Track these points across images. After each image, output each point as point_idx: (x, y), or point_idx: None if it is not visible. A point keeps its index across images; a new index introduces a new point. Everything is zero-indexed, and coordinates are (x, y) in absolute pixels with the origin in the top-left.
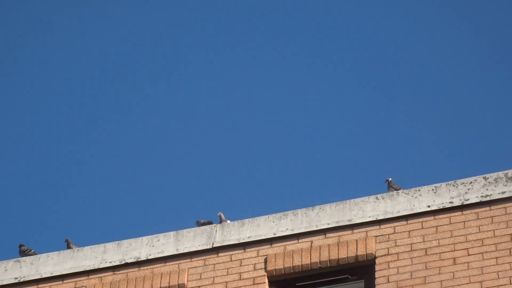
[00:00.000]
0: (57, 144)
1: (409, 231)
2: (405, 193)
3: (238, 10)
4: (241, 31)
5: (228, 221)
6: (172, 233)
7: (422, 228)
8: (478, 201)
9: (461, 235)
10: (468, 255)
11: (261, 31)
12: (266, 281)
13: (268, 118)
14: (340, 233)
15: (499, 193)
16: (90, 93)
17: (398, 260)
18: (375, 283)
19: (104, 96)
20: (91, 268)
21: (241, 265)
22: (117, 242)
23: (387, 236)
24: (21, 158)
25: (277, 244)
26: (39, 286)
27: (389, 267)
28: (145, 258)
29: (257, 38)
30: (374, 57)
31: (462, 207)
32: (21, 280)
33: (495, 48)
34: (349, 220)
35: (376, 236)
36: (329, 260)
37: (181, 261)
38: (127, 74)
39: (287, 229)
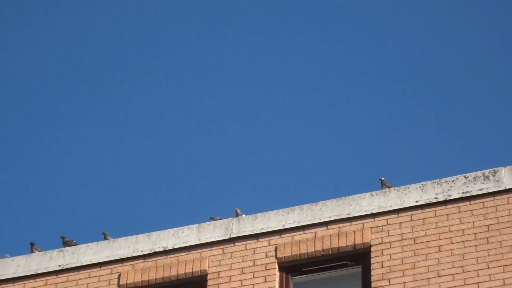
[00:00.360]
0: (96, 141)
1: (400, 223)
2: (396, 190)
3: (233, 7)
4: (238, 28)
5: (243, 215)
6: (194, 226)
7: (411, 220)
8: (460, 196)
9: (445, 226)
10: (451, 243)
11: (257, 28)
12: (277, 267)
13: (276, 123)
14: (340, 225)
15: (477, 190)
16: (124, 83)
17: (390, 248)
18: (371, 268)
19: (136, 89)
20: (125, 257)
21: (254, 253)
22: (147, 233)
23: (381, 227)
24: (60, 155)
25: (285, 235)
26: (80, 272)
27: (382, 254)
28: (172, 248)
29: (259, 35)
30: (370, 62)
31: (445, 202)
32: (64, 267)
33: (481, 50)
34: (348, 214)
35: (371, 228)
36: (331, 248)
37: (203, 250)
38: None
39: (294, 221)
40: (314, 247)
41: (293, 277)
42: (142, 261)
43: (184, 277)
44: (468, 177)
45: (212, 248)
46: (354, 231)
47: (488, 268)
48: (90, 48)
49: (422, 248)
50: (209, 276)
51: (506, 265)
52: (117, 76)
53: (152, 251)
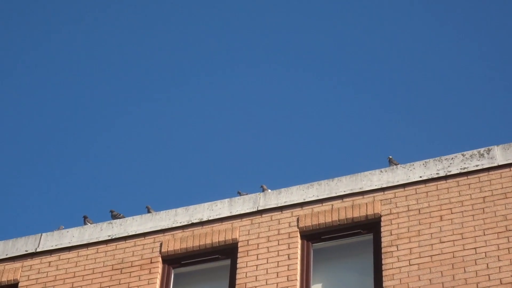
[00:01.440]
0: (141, 126)
1: (406, 196)
2: (402, 167)
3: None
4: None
5: (269, 190)
6: (226, 200)
7: (416, 193)
8: (458, 172)
9: (446, 198)
10: (451, 213)
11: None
12: (298, 235)
13: (297, 112)
14: (354, 198)
15: (473, 166)
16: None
17: (398, 218)
18: (381, 236)
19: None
20: (166, 227)
21: (279, 223)
22: (185, 207)
23: (390, 200)
24: (109, 142)
25: (306, 207)
26: (126, 241)
27: (391, 223)
28: (207, 219)
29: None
30: (376, 55)
31: (446, 177)
32: (113, 237)
33: (472, 39)
34: (360, 188)
35: (381, 200)
36: (346, 218)
37: (234, 221)
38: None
39: (313, 195)
40: (331, 218)
41: (313, 244)
42: (181, 231)
43: (217, 245)
44: (465, 155)
45: (242, 219)
46: (366, 203)
47: (484, 235)
48: (98, 49)
49: (426, 218)
50: (239, 244)
51: (499, 232)
52: (174, 70)
53: (190, 222)
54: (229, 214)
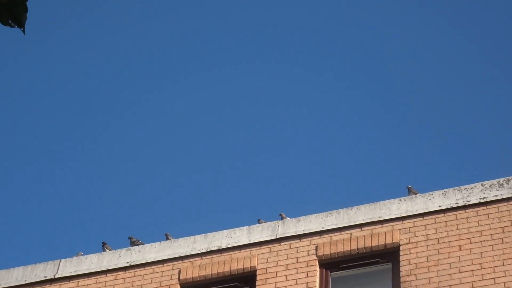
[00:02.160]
0: (161, 152)
1: (425, 225)
2: (422, 196)
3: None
4: (239, 33)
5: (288, 218)
6: (245, 228)
7: (435, 223)
8: (477, 202)
9: (465, 228)
10: (470, 243)
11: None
12: (317, 263)
13: (315, 137)
14: (373, 227)
15: (493, 196)
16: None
17: (417, 247)
18: (400, 265)
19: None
20: (184, 255)
21: (297, 252)
22: (204, 234)
23: (408, 229)
24: (127, 165)
25: (325, 236)
26: (145, 268)
27: (410, 253)
28: (225, 247)
29: (270, 39)
30: (393, 79)
31: (465, 207)
32: (131, 264)
33: (498, 63)
34: (379, 217)
35: (400, 229)
36: (364, 247)
37: (252, 249)
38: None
39: (332, 224)
40: (350, 246)
41: (331, 273)
42: (199, 258)
43: (236, 272)
44: (484, 184)
45: (261, 247)
46: (385, 232)
47: (503, 265)
48: (93, 50)
49: (444, 247)
50: (258, 272)
51: None
52: (180, 71)
53: (208, 250)
54: (247, 242)
